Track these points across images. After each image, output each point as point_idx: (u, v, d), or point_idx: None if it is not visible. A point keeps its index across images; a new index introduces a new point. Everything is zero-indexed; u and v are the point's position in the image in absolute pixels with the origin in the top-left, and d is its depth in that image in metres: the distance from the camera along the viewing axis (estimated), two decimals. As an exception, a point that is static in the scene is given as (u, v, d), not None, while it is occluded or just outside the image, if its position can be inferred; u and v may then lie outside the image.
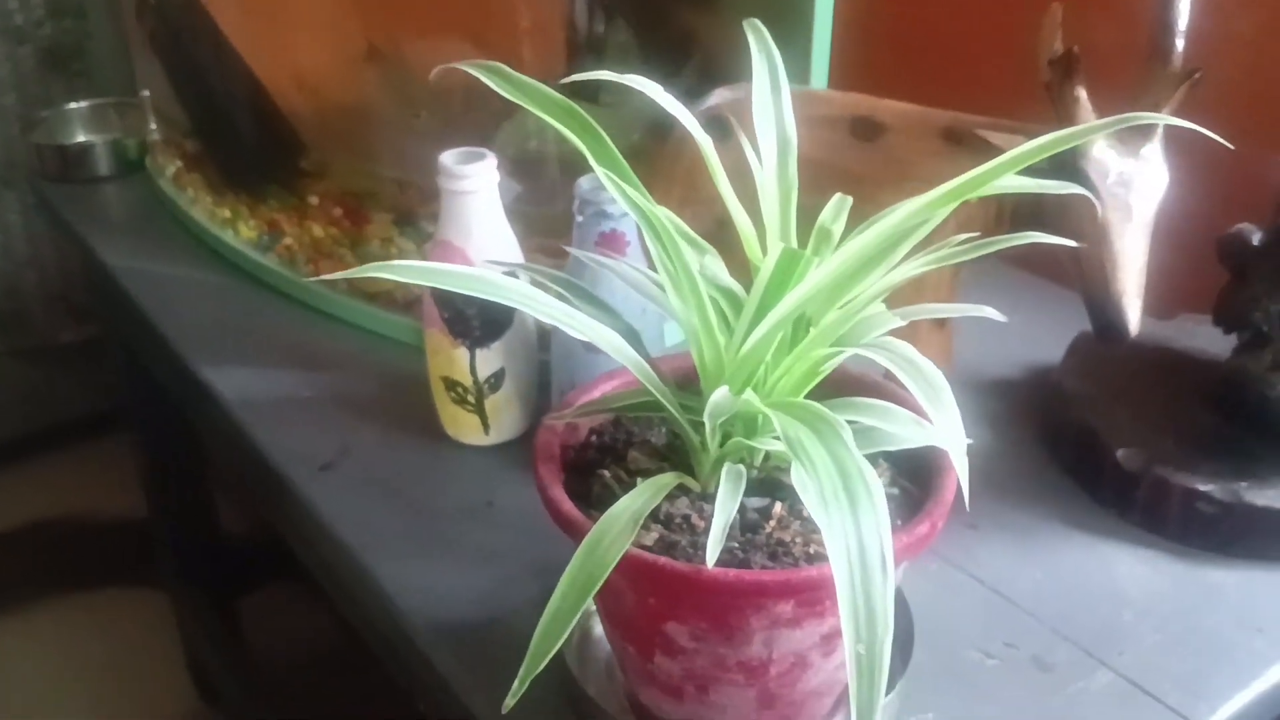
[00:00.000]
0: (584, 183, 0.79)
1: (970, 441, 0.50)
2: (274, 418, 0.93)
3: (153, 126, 1.28)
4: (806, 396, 0.58)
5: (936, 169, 0.75)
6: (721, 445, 0.59)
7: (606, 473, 0.62)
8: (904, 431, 0.58)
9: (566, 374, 0.83)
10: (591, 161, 0.57)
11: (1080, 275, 0.72)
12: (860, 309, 0.57)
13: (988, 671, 0.69)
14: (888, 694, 0.65)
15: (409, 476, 0.87)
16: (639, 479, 0.59)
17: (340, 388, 0.96)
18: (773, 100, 0.61)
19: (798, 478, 0.47)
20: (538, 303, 0.55)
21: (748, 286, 0.56)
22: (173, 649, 1.67)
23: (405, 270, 0.52)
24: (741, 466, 0.56)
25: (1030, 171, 0.66)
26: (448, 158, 0.81)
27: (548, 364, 0.86)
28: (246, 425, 0.92)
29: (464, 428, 0.88)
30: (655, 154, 0.88)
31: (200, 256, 1.15)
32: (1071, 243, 0.57)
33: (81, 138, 1.40)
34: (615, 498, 0.56)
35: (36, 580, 1.82)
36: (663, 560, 0.54)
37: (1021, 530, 0.80)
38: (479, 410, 0.86)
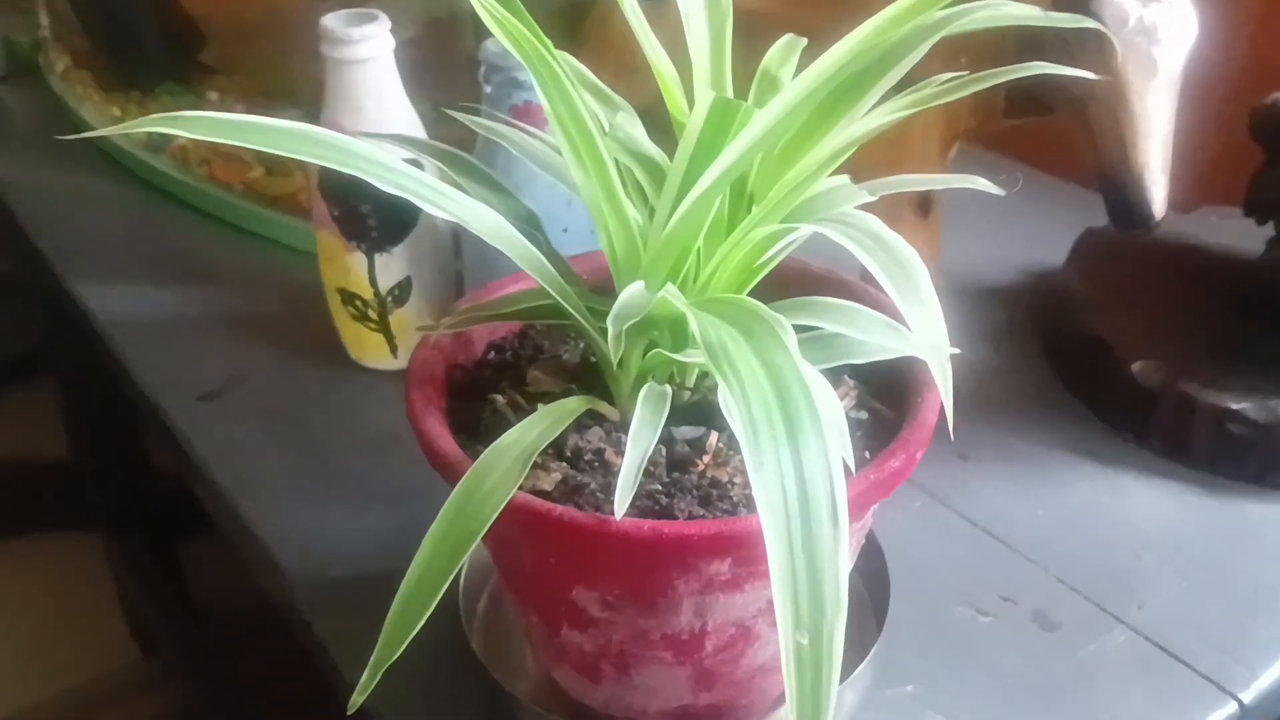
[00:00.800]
0: (491, 45, 0.66)
1: (957, 350, 0.37)
2: (153, 341, 0.80)
3: (44, 22, 1.14)
4: (751, 296, 0.45)
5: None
6: (644, 360, 0.46)
7: (500, 397, 0.49)
8: (874, 339, 0.46)
9: (481, 282, 0.70)
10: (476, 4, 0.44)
11: (1093, 145, 0.59)
12: (816, 178, 0.44)
13: (980, 631, 0.57)
14: (859, 664, 0.53)
15: (304, 406, 0.74)
16: (540, 404, 0.47)
17: (234, 306, 0.83)
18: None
19: (723, 397, 0.35)
20: (395, 173, 0.41)
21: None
22: (110, 599, 1.55)
23: (198, 123, 0.39)
24: (667, 387, 0.43)
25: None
26: (331, 20, 0.67)
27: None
28: (119, 348, 0.80)
29: (368, 349, 0.75)
30: (583, 14, 0.74)
31: (90, 162, 1.02)
32: (1088, 74, 0.43)
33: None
34: (509, 429, 0.44)
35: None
36: (558, 510, 0.42)
37: (1021, 460, 0.68)
38: (383, 328, 0.73)
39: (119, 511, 1.47)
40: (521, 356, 0.53)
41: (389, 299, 0.72)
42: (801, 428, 0.33)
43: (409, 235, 0.71)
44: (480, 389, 0.50)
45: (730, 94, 0.46)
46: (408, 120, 0.70)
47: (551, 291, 0.44)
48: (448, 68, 0.83)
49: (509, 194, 0.50)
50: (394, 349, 0.75)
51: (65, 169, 1.02)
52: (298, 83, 0.97)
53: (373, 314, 0.73)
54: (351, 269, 0.72)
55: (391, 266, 0.72)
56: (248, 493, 0.67)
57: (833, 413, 0.34)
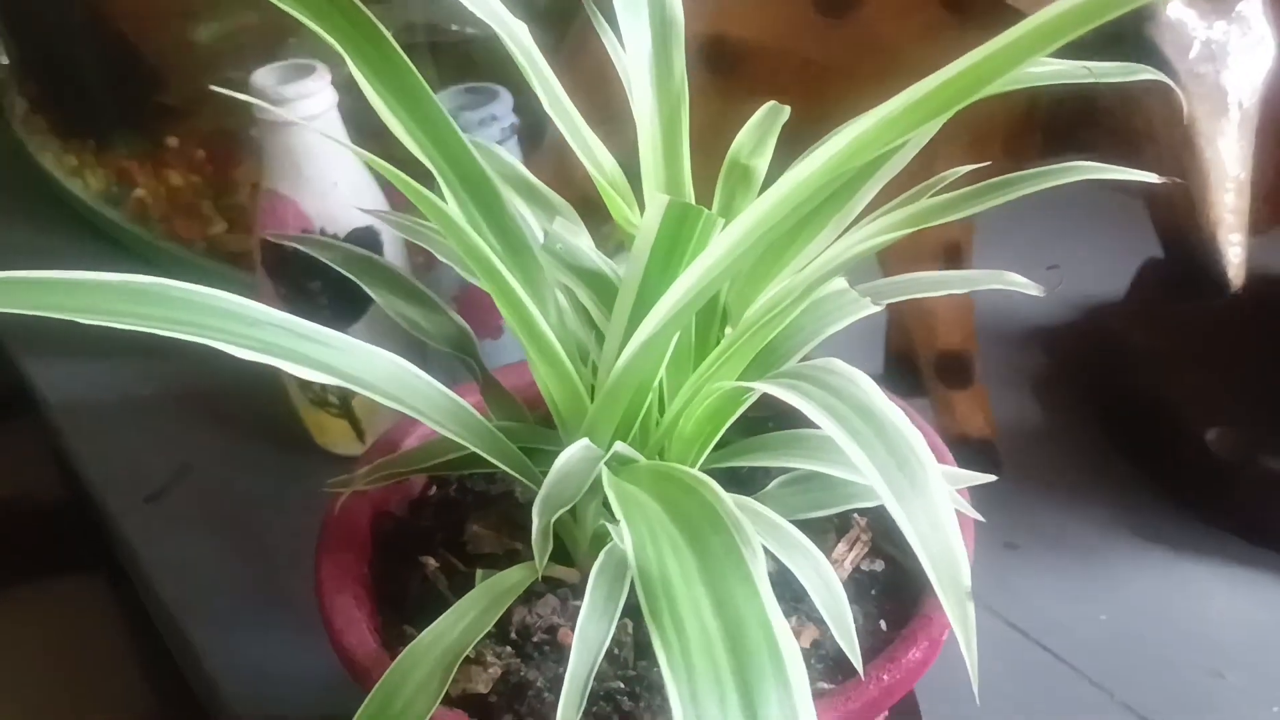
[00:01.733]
0: (443, 99, 0.57)
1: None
2: (102, 425, 0.72)
3: (4, 60, 1.06)
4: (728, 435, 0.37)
5: (933, 54, 0.52)
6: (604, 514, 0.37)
7: (431, 560, 0.40)
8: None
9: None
10: (355, 72, 0.35)
11: (1154, 199, 0.49)
12: (804, 297, 0.35)
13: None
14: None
15: (261, 503, 0.66)
16: (480, 568, 0.38)
17: (191, 381, 0.74)
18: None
19: (656, 645, 0.26)
20: (257, 329, 0.33)
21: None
22: (123, 645, 1.49)
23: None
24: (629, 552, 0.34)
25: (1072, 49, 0.44)
26: (264, 76, 0.59)
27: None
28: (66, 436, 0.72)
29: (332, 435, 0.67)
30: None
31: (49, 213, 0.94)
32: (1149, 176, 0.34)
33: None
34: (443, 605, 0.36)
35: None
36: (485, 736, 0.33)
37: (1076, 549, 0.58)
38: (345, 413, 0.65)
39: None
40: (469, 493, 0.44)
41: (349, 382, 0.64)
42: (763, 701, 0.24)
43: (367, 312, 0.62)
44: (416, 541, 0.42)
45: (690, 192, 0.37)
46: (356, 182, 0.61)
47: (472, 447, 0.35)
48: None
49: (435, 308, 0.41)
50: (361, 434, 0.66)
51: (22, 220, 0.94)
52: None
53: (333, 399, 0.65)
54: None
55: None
56: (196, 616, 0.59)
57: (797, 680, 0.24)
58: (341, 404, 0.65)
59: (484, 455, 0.36)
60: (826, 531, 0.40)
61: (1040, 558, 0.58)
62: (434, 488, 0.45)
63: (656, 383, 0.36)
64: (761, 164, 0.37)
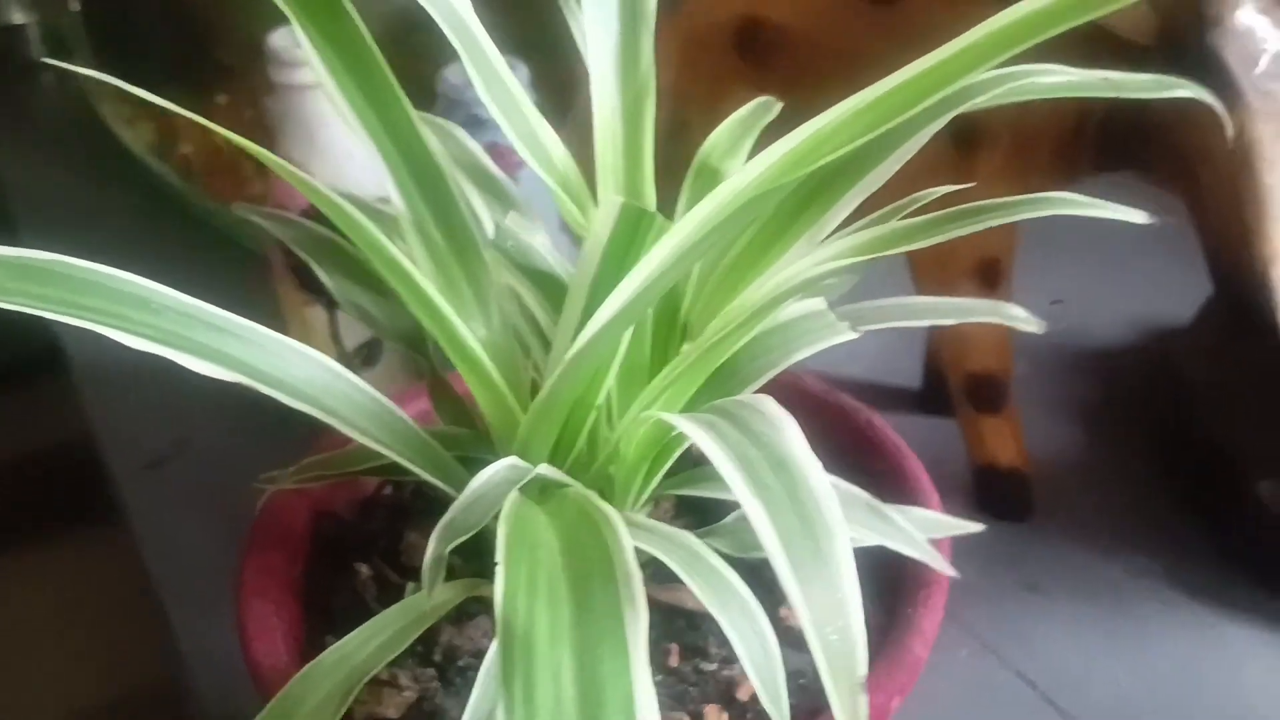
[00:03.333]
0: (450, 75, 0.54)
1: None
2: (116, 389, 0.71)
3: (75, 7, 1.06)
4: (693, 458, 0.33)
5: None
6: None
7: (365, 568, 0.38)
8: (856, 531, 0.33)
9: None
10: (298, 30, 0.33)
11: (1204, 224, 0.44)
12: (765, 306, 0.31)
13: None
14: None
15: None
16: (410, 582, 0.36)
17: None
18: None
19: (499, 713, 0.23)
20: (159, 316, 0.30)
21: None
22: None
23: None
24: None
25: (1132, 57, 0.40)
26: (279, 39, 0.56)
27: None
28: (82, 395, 0.71)
29: (335, 415, 0.65)
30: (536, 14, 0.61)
31: (106, 162, 0.93)
32: (1136, 215, 0.29)
33: (18, 19, 1.19)
34: (368, 617, 0.33)
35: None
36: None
37: (1105, 597, 0.54)
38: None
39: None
40: (423, 498, 0.41)
41: (356, 360, 0.62)
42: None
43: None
44: (357, 547, 0.39)
45: (651, 194, 0.33)
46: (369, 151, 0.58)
47: (395, 456, 0.33)
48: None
49: (393, 301, 0.39)
50: (366, 413, 0.64)
51: (80, 167, 0.94)
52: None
53: (338, 375, 0.62)
54: (313, 326, 0.61)
55: (357, 325, 0.61)
56: (177, 596, 0.57)
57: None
58: (347, 381, 0.63)
59: (409, 466, 0.33)
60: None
61: (1063, 604, 0.53)
62: (388, 488, 0.42)
63: (604, 400, 0.33)
64: (732, 166, 0.34)
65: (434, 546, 0.28)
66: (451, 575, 0.36)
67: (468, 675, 0.34)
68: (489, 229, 0.35)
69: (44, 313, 0.29)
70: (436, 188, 0.33)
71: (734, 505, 0.36)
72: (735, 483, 0.24)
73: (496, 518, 0.30)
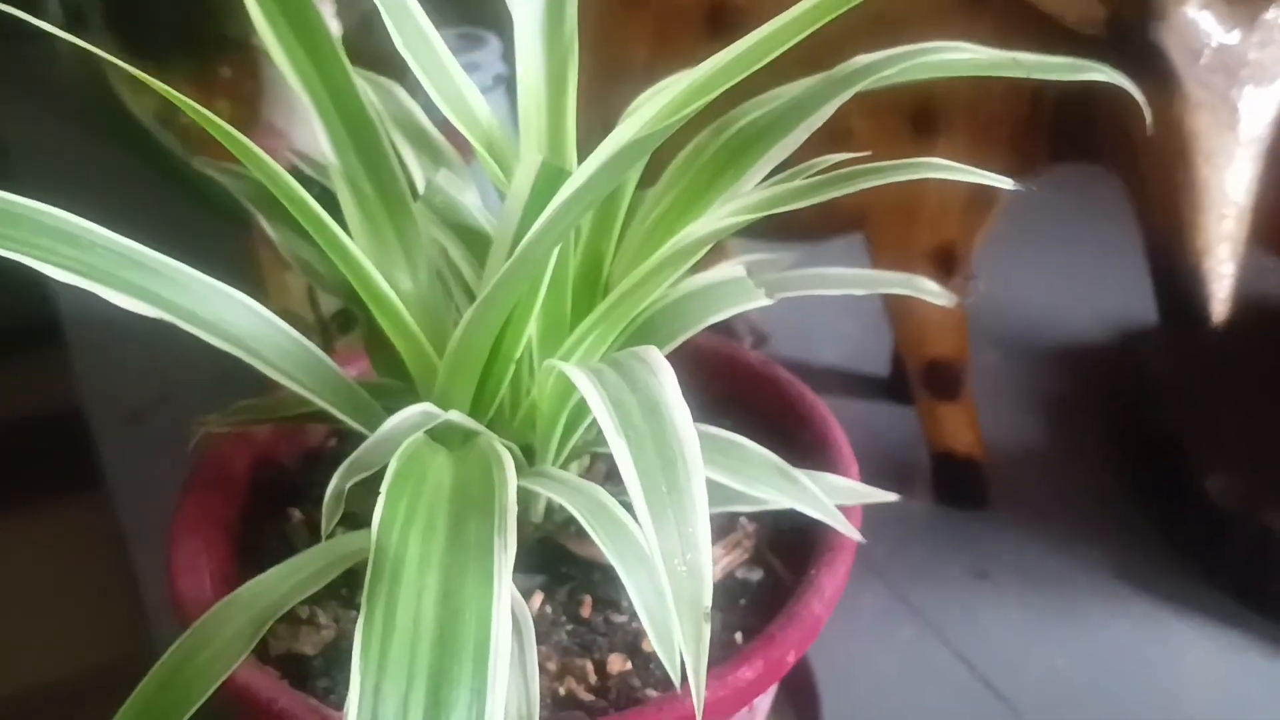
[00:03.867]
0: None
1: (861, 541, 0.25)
2: (105, 340, 0.72)
3: (91, -29, 1.07)
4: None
5: (943, 34, 0.49)
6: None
7: (298, 513, 0.39)
8: (758, 490, 0.34)
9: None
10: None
11: (1143, 214, 0.45)
12: (675, 265, 0.32)
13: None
14: None
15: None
16: (341, 528, 0.36)
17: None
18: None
19: (357, 629, 0.24)
20: (81, 249, 0.31)
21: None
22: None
23: None
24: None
25: (1078, 44, 0.41)
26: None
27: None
28: (71, 350, 0.73)
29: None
30: None
31: (112, 129, 0.95)
32: (1000, 180, 0.30)
33: (38, -15, 1.21)
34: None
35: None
36: (280, 701, 0.31)
37: (1053, 584, 0.54)
38: (329, 352, 0.64)
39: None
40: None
41: (332, 325, 0.63)
42: (451, 706, 0.22)
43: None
44: (293, 495, 0.40)
45: (572, 154, 0.34)
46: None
47: (316, 400, 0.34)
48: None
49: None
50: (342, 378, 0.65)
51: (88, 131, 0.96)
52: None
53: (314, 337, 0.64)
54: (290, 289, 0.62)
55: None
56: (145, 544, 0.59)
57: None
58: (323, 342, 0.64)
59: (333, 411, 0.34)
60: (705, 533, 0.37)
61: (1010, 590, 0.54)
62: (333, 440, 0.43)
63: (523, 352, 0.34)
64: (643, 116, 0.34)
65: (335, 481, 0.29)
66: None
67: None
68: (421, 185, 0.36)
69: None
70: (368, 141, 0.35)
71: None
72: (604, 423, 0.25)
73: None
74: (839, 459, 0.38)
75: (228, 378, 0.67)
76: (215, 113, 0.90)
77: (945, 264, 0.52)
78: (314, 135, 0.57)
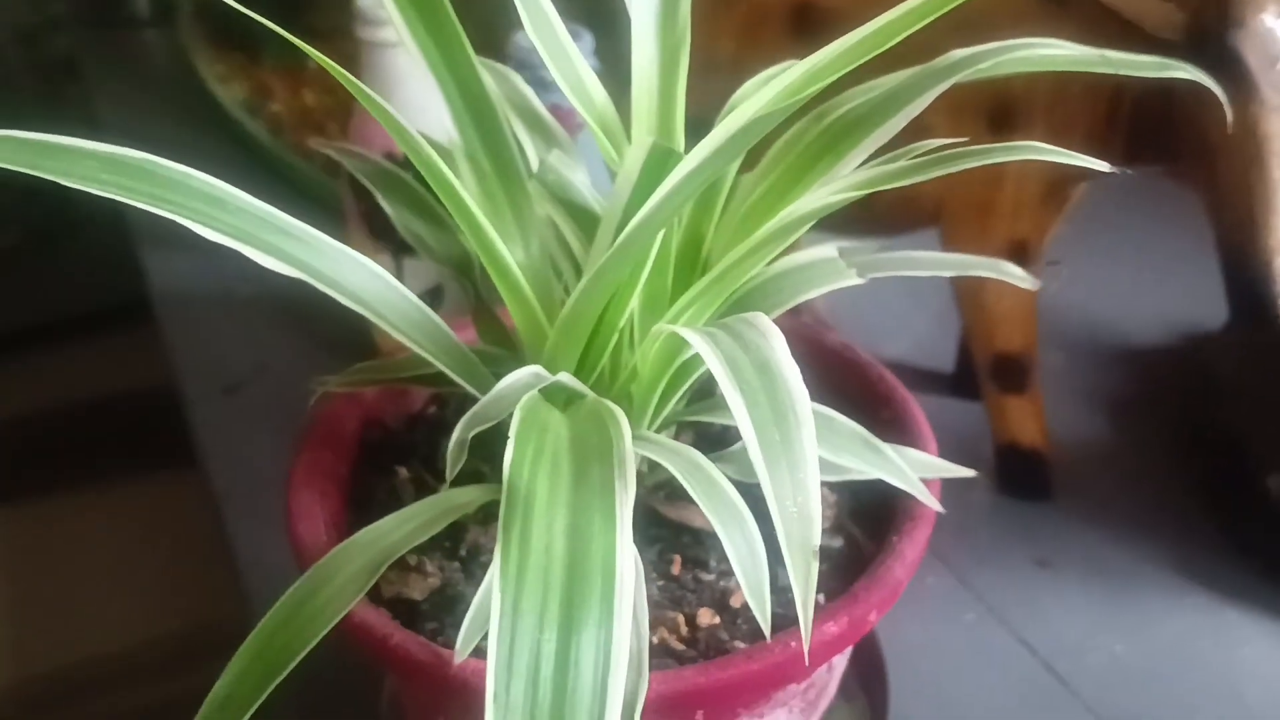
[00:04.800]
0: (521, 39, 0.57)
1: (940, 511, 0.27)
2: (195, 318, 0.76)
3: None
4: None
5: (1024, 36, 0.50)
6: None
7: (405, 470, 0.41)
8: (844, 459, 0.36)
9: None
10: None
11: (1217, 215, 0.46)
12: (774, 243, 0.34)
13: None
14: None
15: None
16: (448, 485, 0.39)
17: (287, 289, 0.77)
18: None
19: (496, 554, 0.26)
20: (228, 213, 0.34)
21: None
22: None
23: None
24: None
25: (1157, 48, 0.42)
26: (367, -5, 0.60)
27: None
28: (164, 326, 0.76)
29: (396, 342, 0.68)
30: None
31: (199, 119, 0.98)
32: (1098, 164, 0.32)
33: (130, -22, 1.25)
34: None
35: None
36: (396, 637, 0.34)
37: (1115, 576, 0.56)
38: (412, 337, 0.67)
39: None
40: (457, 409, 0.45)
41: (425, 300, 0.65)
42: (582, 625, 0.24)
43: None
44: (400, 454, 0.43)
45: (680, 138, 0.36)
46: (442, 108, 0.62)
47: (436, 362, 0.36)
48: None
49: (445, 227, 0.42)
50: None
51: (175, 119, 0.99)
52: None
53: (400, 320, 0.66)
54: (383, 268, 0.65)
55: (422, 271, 0.64)
56: (239, 508, 0.62)
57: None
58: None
59: (448, 372, 0.36)
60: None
61: (1071, 579, 0.55)
62: (433, 407, 0.46)
63: (626, 322, 0.36)
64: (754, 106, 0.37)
65: (458, 433, 0.31)
66: (483, 480, 0.40)
67: (487, 569, 0.38)
68: (535, 164, 0.38)
69: (132, 201, 0.33)
70: (488, 122, 0.37)
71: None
72: (721, 377, 0.27)
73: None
74: (919, 435, 0.40)
75: (318, 349, 0.70)
76: (302, 101, 0.93)
77: (1019, 259, 0.54)
78: (413, 124, 0.60)
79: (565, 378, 0.34)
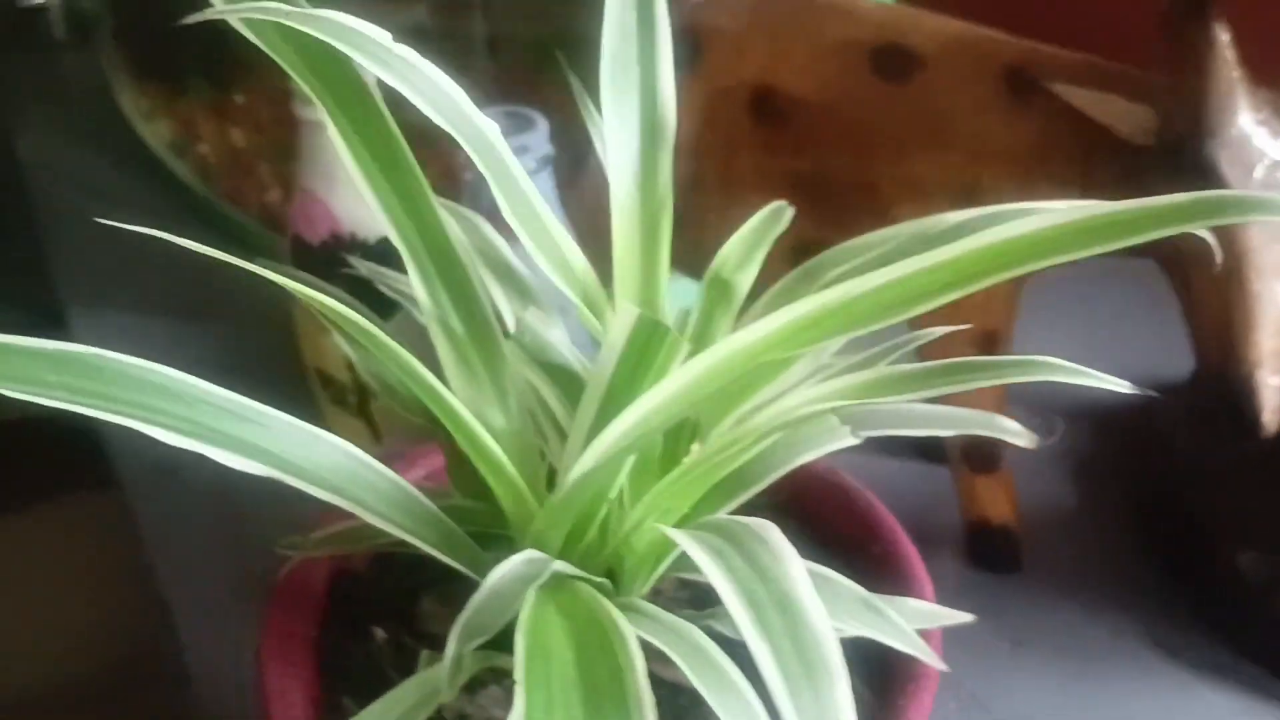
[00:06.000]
0: (470, 171, 0.55)
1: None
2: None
3: (103, -11, 1.06)
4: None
5: (987, 128, 0.50)
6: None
7: (381, 632, 0.40)
8: (844, 624, 0.35)
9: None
10: (322, 115, 0.34)
11: (1195, 322, 0.46)
12: (780, 425, 0.33)
13: None
14: None
15: (264, 498, 0.65)
16: (426, 650, 0.37)
17: (227, 351, 0.75)
18: (638, 29, 0.36)
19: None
20: (185, 408, 0.32)
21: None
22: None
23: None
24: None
25: (1122, 156, 0.42)
26: (305, 75, 0.57)
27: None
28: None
29: (348, 434, 0.66)
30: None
31: (127, 155, 0.94)
32: (1119, 384, 0.31)
33: (42, -1, 1.19)
34: (386, 682, 0.35)
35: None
36: None
37: (1086, 655, 0.56)
38: (363, 414, 0.64)
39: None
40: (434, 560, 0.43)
41: (370, 389, 0.63)
42: None
43: (394, 316, 0.61)
44: (372, 607, 0.41)
45: (664, 306, 0.35)
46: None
47: (419, 544, 0.34)
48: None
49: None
50: (377, 436, 0.66)
51: (100, 160, 0.95)
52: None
53: (351, 398, 0.64)
54: (327, 352, 0.63)
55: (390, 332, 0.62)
56: (183, 607, 0.59)
57: None
58: (359, 405, 0.64)
59: (429, 550, 0.35)
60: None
61: (1046, 658, 0.55)
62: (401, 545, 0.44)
63: (616, 494, 0.34)
64: (745, 279, 0.35)
65: (453, 647, 0.30)
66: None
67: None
68: (510, 321, 0.36)
69: (89, 410, 0.31)
70: (458, 279, 0.35)
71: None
72: (744, 625, 0.25)
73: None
74: (912, 577, 0.39)
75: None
76: (229, 141, 0.89)
77: (989, 347, 0.53)
78: (358, 206, 0.58)
79: (561, 565, 0.32)
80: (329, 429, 0.65)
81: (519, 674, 0.27)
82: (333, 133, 0.34)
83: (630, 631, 0.29)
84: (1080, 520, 0.62)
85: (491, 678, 0.37)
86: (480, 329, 0.35)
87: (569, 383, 0.35)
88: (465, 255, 0.35)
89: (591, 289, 0.34)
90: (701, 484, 0.33)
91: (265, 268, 0.32)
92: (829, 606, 0.34)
